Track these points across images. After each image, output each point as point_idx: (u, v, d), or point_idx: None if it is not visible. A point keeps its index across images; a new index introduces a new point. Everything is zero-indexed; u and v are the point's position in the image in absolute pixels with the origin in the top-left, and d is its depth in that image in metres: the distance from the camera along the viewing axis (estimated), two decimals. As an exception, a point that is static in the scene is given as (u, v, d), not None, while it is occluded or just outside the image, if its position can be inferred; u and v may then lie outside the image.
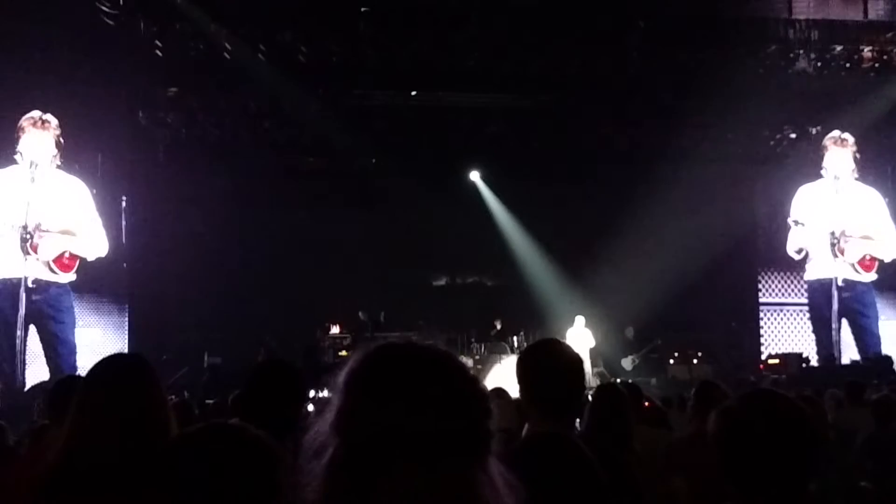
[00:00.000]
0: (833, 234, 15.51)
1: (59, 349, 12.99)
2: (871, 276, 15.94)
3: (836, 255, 15.51)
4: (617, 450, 3.60)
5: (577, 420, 3.93)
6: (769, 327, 17.88)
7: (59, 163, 13.33)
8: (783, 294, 17.87)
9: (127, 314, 15.69)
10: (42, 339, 13.12)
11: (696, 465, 4.04)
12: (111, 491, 2.27)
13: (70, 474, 2.34)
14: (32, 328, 13.04)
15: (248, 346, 14.92)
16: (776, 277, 17.91)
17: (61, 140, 13.33)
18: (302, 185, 17.83)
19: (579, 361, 2.89)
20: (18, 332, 12.52)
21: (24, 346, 12.71)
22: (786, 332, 17.68)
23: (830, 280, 15.69)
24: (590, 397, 4.48)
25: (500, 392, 5.73)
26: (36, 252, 12.79)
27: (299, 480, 1.41)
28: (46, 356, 13.06)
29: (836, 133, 15.96)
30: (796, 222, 15.92)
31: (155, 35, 14.05)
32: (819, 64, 15.40)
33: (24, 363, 12.64)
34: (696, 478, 3.93)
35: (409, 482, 1.32)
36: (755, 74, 15.26)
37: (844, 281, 15.66)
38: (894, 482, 6.02)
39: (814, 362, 15.60)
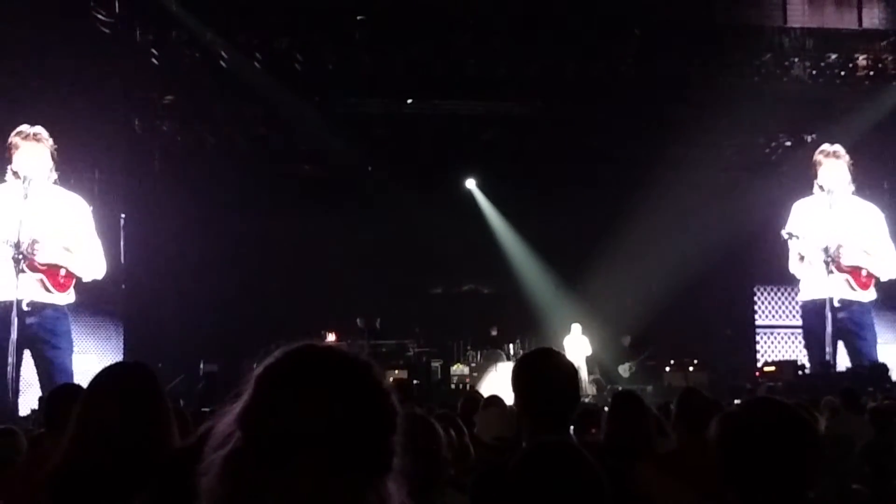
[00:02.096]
0: (827, 249, 14.75)
1: (54, 376, 12.08)
2: (870, 295, 15.17)
3: (830, 272, 14.70)
4: (636, 457, 3.61)
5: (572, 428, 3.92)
6: (765, 342, 17.85)
7: (55, 178, 12.71)
8: (778, 315, 17.77)
9: (122, 324, 15.57)
10: (37, 366, 12.38)
11: (683, 474, 4.03)
12: (113, 499, 2.27)
13: (71, 482, 2.34)
14: (28, 354, 12.31)
15: (245, 354, 14.86)
16: (771, 295, 17.77)
17: (55, 153, 12.73)
18: (298, 192, 17.82)
19: (574, 371, 2.90)
20: (10, 359, 11.71)
21: (17, 373, 11.90)
22: (781, 348, 17.62)
23: (825, 300, 14.79)
24: (605, 407, 4.46)
25: (495, 400, 5.74)
26: (34, 271, 12.13)
27: (201, 467, 1.41)
28: (41, 383, 12.22)
29: (826, 146, 15.50)
30: (790, 235, 15.17)
31: (151, 43, 14.03)
32: (814, 72, 15.44)
33: (17, 391, 11.85)
34: (683, 486, 3.92)
35: (297, 486, 1.33)
36: (750, 82, 15.29)
37: (840, 301, 14.82)
38: (892, 489, 6.03)
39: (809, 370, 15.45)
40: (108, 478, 2.31)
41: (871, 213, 15.78)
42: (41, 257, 12.35)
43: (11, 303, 12.00)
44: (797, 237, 15.18)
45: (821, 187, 15.42)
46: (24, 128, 12.57)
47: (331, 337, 16.79)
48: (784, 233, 15.36)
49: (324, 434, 1.35)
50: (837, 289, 14.94)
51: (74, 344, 13.13)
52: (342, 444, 1.35)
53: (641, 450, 3.97)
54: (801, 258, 15.41)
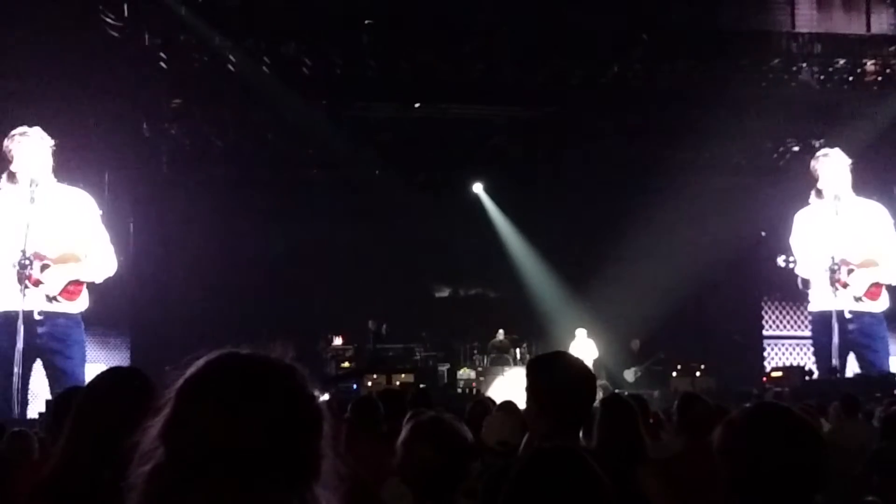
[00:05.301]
0: (833, 259, 14.17)
1: (65, 387, 11.86)
2: (881, 305, 14.60)
3: (835, 288, 14.13)
4: (629, 463, 3.59)
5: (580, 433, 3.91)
6: (772, 352, 17.75)
7: (55, 176, 12.08)
8: (786, 325, 17.63)
9: (129, 328, 15.54)
10: (48, 376, 11.98)
11: (685, 480, 4.02)
12: (107, 502, 2.27)
13: (66, 486, 2.34)
14: (39, 364, 11.91)
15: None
16: (779, 304, 17.62)
17: (54, 152, 12.54)
18: (305, 196, 17.85)
19: (592, 375, 2.91)
20: (16, 369, 11.35)
21: (24, 383, 11.54)
22: (788, 358, 17.49)
23: (832, 312, 14.19)
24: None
25: (504, 405, 5.73)
26: (37, 286, 11.66)
27: (127, 484, 1.38)
28: (53, 394, 11.63)
29: (825, 150, 15.27)
30: (786, 262, 14.67)
31: (159, 47, 14.06)
32: (822, 77, 15.40)
33: (24, 402, 11.50)
34: (686, 493, 3.91)
35: (219, 498, 1.30)
36: (758, 87, 15.25)
37: (851, 312, 14.25)
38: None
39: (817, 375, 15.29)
40: (102, 484, 2.30)
41: (877, 214, 15.44)
42: (50, 289, 12.06)
43: (17, 312, 11.60)
44: (793, 263, 14.90)
45: (819, 192, 15.04)
46: (20, 129, 12.28)
47: (338, 340, 16.83)
48: (780, 261, 15.07)
49: (245, 443, 1.32)
50: (846, 301, 14.48)
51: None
52: (264, 453, 1.32)
53: (635, 455, 3.95)
54: (805, 283, 15.11)
